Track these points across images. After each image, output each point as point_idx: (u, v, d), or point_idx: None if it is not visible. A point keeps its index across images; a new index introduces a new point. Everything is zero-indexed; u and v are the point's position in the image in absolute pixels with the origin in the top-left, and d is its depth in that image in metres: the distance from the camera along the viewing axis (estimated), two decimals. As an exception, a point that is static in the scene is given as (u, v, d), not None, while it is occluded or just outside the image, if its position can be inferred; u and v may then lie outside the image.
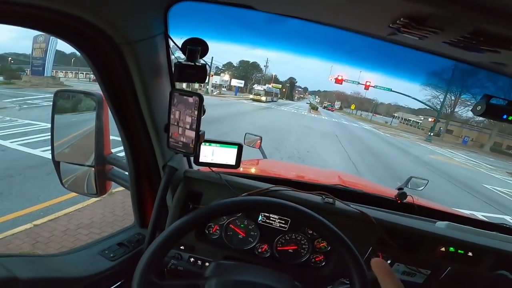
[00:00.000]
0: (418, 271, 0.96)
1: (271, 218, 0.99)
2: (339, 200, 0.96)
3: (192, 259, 0.96)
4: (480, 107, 0.64)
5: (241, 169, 1.34)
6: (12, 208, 3.62)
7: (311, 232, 0.98)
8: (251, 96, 32.46)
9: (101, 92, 0.93)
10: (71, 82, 28.36)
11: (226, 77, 45.06)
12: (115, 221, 3.65)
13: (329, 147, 10.56)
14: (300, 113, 26.49)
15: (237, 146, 0.90)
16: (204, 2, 0.71)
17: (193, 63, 0.70)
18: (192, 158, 0.95)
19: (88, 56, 0.67)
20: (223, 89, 40.21)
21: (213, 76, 33.60)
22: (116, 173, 1.05)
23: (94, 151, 0.98)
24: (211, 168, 0.93)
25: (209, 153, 0.89)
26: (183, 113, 0.70)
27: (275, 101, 39.60)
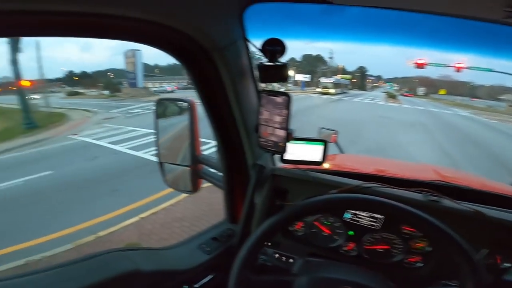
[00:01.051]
0: None
1: (359, 216, 0.93)
2: (445, 197, 0.85)
3: (276, 255, 0.97)
4: None
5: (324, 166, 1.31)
6: (124, 203, 4.43)
7: (407, 231, 0.90)
8: (318, 90, 31.39)
9: (192, 99, 1.01)
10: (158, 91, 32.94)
11: (290, 73, 44.90)
12: (201, 215, 4.04)
13: (415, 138, 9.27)
14: (375, 103, 24.15)
15: (323, 143, 0.89)
16: (280, 1, 0.70)
17: (274, 63, 0.71)
18: (278, 156, 0.95)
19: (185, 64, 0.74)
20: (289, 85, 40.12)
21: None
22: (206, 171, 1.14)
23: (188, 152, 1.07)
24: (296, 165, 0.92)
25: (295, 151, 0.88)
26: (272, 112, 0.71)
27: (346, 92, 37.24)
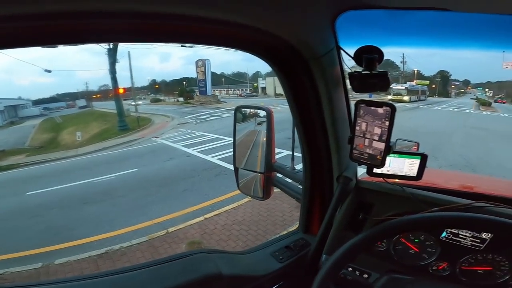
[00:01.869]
0: None
1: (460, 236, 0.84)
2: None
3: (350, 269, 0.91)
4: None
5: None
6: (193, 202, 4.83)
7: None
8: (389, 97, 28.74)
9: (269, 107, 1.03)
10: (225, 98, 35.24)
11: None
12: (260, 220, 4.11)
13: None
14: (462, 111, 20.69)
15: (420, 157, 0.82)
16: (383, 8, 0.65)
17: (371, 72, 0.67)
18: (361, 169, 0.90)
19: (280, 72, 0.76)
20: (354, 93, 37.97)
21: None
22: (279, 179, 1.14)
23: (263, 159, 1.09)
24: (385, 179, 0.87)
25: (388, 164, 0.82)
26: (370, 124, 0.68)
27: (423, 99, 33.12)
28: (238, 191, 1.24)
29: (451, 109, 22.58)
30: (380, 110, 0.65)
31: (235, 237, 3.80)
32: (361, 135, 0.70)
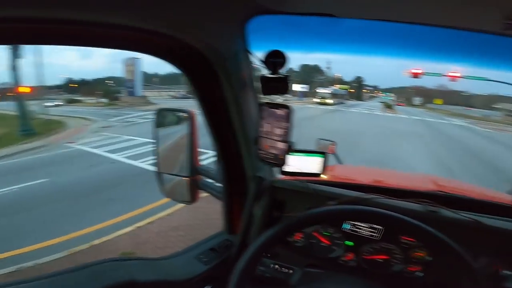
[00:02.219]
0: None
1: (358, 226, 0.94)
2: (444, 207, 0.86)
3: (276, 266, 0.96)
4: None
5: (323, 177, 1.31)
6: (121, 212, 4.38)
7: (406, 241, 0.90)
8: (316, 100, 31.72)
9: (191, 109, 1.01)
10: (157, 100, 32.97)
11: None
12: (197, 225, 4.01)
13: (413, 149, 9.37)
14: (373, 113, 24.45)
15: (323, 155, 0.91)
16: (282, 14, 0.72)
17: (276, 76, 0.71)
18: (277, 168, 0.95)
19: (187, 74, 0.74)
20: (287, 95, 40.42)
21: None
22: (205, 182, 1.13)
23: (186, 162, 1.07)
24: (296, 177, 0.94)
25: (294, 163, 0.89)
26: (272, 125, 0.71)
27: (343, 102, 37.71)
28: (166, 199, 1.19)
29: (364, 111, 26.36)
30: (280, 112, 0.69)
31: (172, 243, 3.61)
32: (266, 136, 0.73)
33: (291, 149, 0.73)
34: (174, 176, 1.15)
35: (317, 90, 34.47)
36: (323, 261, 0.96)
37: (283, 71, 0.71)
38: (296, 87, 45.75)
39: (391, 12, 0.69)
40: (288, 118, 0.69)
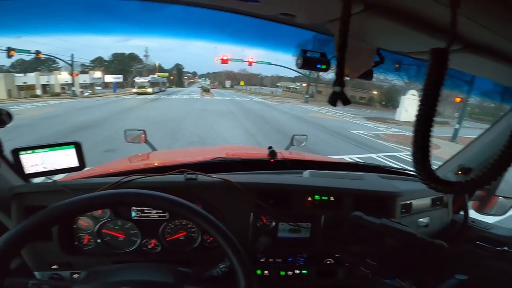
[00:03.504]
0: (301, 226, 1.00)
1: (145, 211, 0.93)
2: (201, 173, 0.94)
3: (75, 275, 0.89)
4: (299, 60, 0.74)
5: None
6: None
7: None
8: (134, 90, 29.18)
9: None
10: None
11: (97, 74, 38.33)
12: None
13: (228, 125, 10.90)
14: (193, 98, 25.93)
15: (74, 146, 0.82)
16: None
17: None
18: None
19: None
20: (97, 88, 34.26)
21: (78, 75, 27.89)
22: None
23: None
24: (47, 176, 0.84)
25: (37, 161, 0.78)
26: None
27: (164, 90, 37.15)
28: None
29: (184, 97, 27.46)
30: None
31: None
32: None
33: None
34: None
35: (135, 80, 31.66)
36: (128, 255, 0.93)
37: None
38: (108, 78, 39.77)
39: None
40: None
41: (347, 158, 6.02)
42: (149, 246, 0.95)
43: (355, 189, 1.03)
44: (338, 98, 0.46)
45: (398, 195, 1.05)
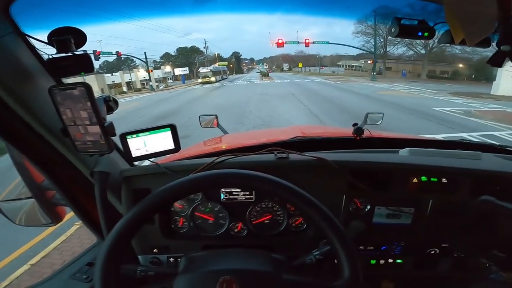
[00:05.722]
0: (402, 211, 0.90)
1: (233, 193, 0.91)
2: (293, 152, 0.89)
3: (171, 259, 0.91)
4: (393, 29, 0.67)
5: (192, 152, 1.25)
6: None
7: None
8: (199, 80, 31.43)
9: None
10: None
11: (167, 68, 42.57)
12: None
13: (290, 107, 10.79)
14: (253, 83, 26.49)
15: (169, 128, 0.80)
16: None
17: (67, 55, 0.61)
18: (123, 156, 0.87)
19: None
20: (169, 81, 38.15)
21: (153, 71, 31.56)
22: (60, 197, 0.96)
23: (25, 183, 0.87)
24: (151, 160, 0.84)
25: (140, 145, 0.79)
26: (74, 109, 0.61)
27: (226, 78, 38.92)
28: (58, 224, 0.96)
29: (245, 82, 28.23)
30: (76, 92, 0.60)
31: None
32: (72, 123, 0.63)
33: (111, 130, 0.66)
34: (20, 201, 0.93)
35: (200, 70, 34.07)
36: (216, 239, 0.93)
37: (80, 47, 0.61)
38: (177, 71, 43.80)
39: None
40: (88, 96, 0.60)
41: (438, 137, 5.30)
42: (236, 230, 0.94)
43: (474, 169, 0.86)
44: (507, 56, 0.41)
45: None
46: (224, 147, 1.50)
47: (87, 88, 0.60)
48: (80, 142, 0.65)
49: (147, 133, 0.79)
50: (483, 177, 0.86)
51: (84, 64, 0.63)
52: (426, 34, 0.68)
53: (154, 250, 0.92)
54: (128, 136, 0.77)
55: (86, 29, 0.60)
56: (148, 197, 0.63)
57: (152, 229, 0.89)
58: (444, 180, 0.87)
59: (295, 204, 0.64)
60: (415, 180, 0.87)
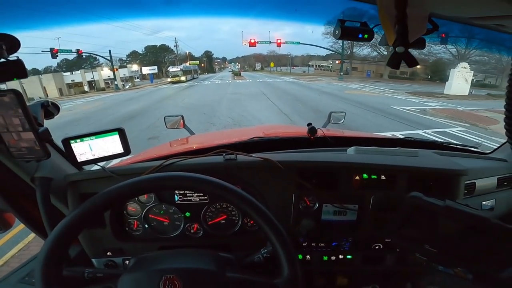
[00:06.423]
0: (347, 208, 0.93)
1: (188, 195, 0.92)
2: (241, 153, 0.90)
3: (127, 261, 0.91)
4: (337, 31, 0.70)
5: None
6: None
7: None
8: (169, 80, 30.46)
9: None
10: None
11: (134, 67, 40.68)
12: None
13: (260, 106, 10.89)
14: (225, 82, 26.29)
15: (117, 132, 0.79)
16: None
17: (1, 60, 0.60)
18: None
19: None
20: (136, 80, 36.49)
21: (118, 69, 29.93)
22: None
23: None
24: (98, 164, 0.83)
25: (86, 150, 0.78)
26: (6, 116, 0.61)
27: (197, 77, 38.13)
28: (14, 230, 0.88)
29: (217, 82, 27.92)
30: (6, 99, 0.59)
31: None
32: (5, 130, 0.63)
33: (46, 136, 0.65)
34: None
35: (169, 69, 32.99)
36: (173, 240, 0.94)
37: (13, 53, 0.61)
38: (144, 70, 42.06)
39: None
40: (18, 103, 0.60)
41: (389, 135, 5.68)
42: (192, 231, 0.95)
43: (410, 166, 0.91)
44: (401, 59, 0.43)
45: (463, 173, 0.92)
46: (182, 149, 1.48)
47: (17, 95, 0.59)
48: (14, 148, 0.65)
49: (93, 137, 0.77)
50: (418, 173, 0.91)
51: (17, 70, 0.62)
52: (366, 36, 0.71)
53: (108, 253, 0.91)
54: (72, 141, 0.76)
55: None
56: (87, 201, 0.62)
57: (104, 232, 0.88)
58: (382, 177, 0.91)
59: (233, 202, 0.65)
60: (357, 177, 0.91)
